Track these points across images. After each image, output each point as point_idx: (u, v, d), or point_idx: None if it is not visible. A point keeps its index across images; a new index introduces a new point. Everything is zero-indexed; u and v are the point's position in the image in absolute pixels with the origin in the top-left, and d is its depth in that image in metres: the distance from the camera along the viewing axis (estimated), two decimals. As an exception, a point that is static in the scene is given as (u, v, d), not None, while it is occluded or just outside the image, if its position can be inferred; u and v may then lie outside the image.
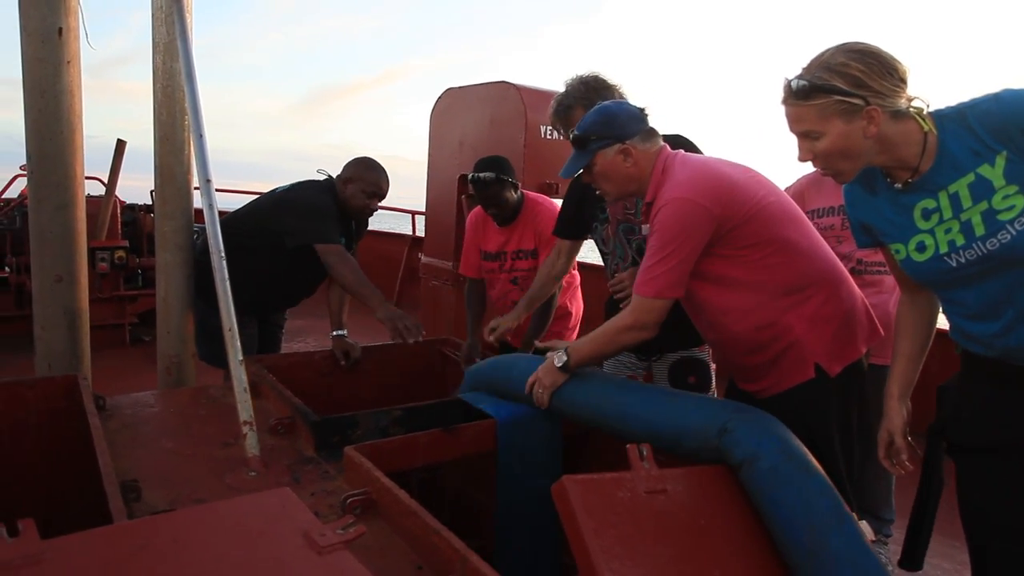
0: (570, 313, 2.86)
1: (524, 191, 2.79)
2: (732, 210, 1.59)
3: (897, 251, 1.40)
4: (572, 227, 2.42)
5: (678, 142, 2.50)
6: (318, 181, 2.66)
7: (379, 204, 2.67)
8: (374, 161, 2.66)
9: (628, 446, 1.26)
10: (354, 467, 1.42)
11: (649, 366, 2.30)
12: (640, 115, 1.78)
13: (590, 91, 2.18)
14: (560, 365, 1.70)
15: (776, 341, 1.64)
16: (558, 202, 2.82)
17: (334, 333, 2.62)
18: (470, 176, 2.69)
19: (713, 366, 2.42)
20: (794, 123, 1.36)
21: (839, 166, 1.35)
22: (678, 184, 1.64)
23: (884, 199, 1.40)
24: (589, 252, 2.66)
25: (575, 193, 2.38)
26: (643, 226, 1.78)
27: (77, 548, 0.85)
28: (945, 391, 1.49)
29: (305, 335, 5.73)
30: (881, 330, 1.73)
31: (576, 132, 1.78)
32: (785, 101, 1.35)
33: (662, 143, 1.77)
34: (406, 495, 1.23)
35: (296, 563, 0.89)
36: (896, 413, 1.53)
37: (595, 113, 1.79)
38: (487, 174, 2.62)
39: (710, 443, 1.40)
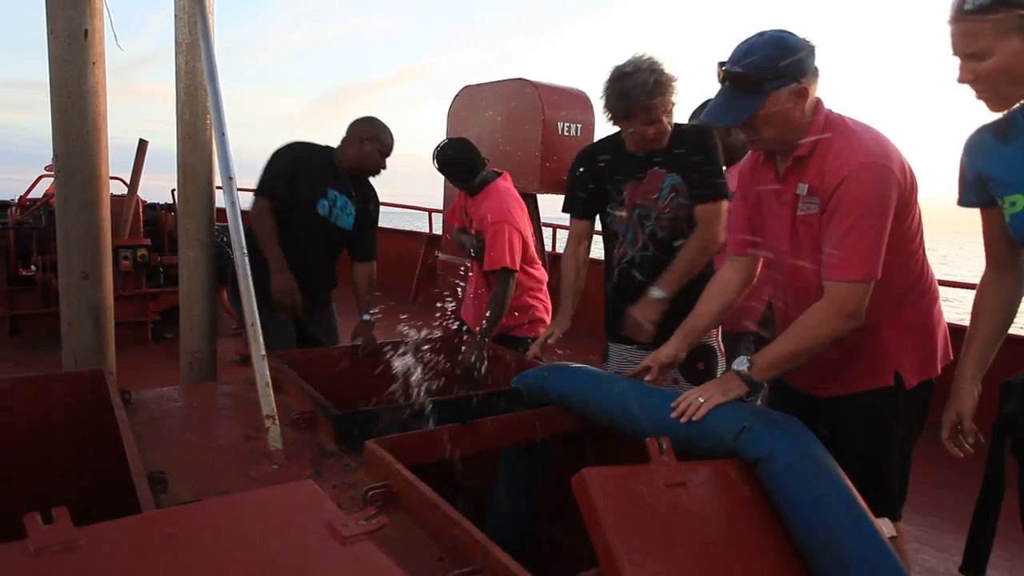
0: (533, 308, 2.87)
1: (499, 179, 2.83)
2: (907, 192, 1.47)
3: (1013, 203, 1.33)
4: (586, 206, 2.38)
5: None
6: (309, 144, 2.76)
7: (386, 163, 2.78)
8: (381, 121, 2.76)
9: (647, 439, 1.26)
10: (375, 460, 1.43)
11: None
12: (812, 48, 1.51)
13: (657, 87, 2.06)
14: (741, 374, 1.49)
15: (861, 339, 1.57)
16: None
17: (362, 317, 2.69)
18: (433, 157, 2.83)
19: (721, 351, 2.40)
20: (964, 41, 1.24)
21: (1003, 90, 1.24)
22: (867, 146, 1.44)
23: (1018, 147, 1.33)
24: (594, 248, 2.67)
25: (588, 171, 2.33)
26: (800, 184, 1.52)
27: (108, 535, 0.87)
28: (1011, 386, 1.45)
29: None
30: (951, 353, 1.65)
31: (742, 69, 1.49)
32: (955, 19, 1.25)
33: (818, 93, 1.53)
34: (427, 488, 1.24)
35: (320, 553, 0.91)
36: (967, 395, 1.49)
37: (768, 45, 1.48)
38: (436, 163, 2.78)
39: (726, 444, 1.40)
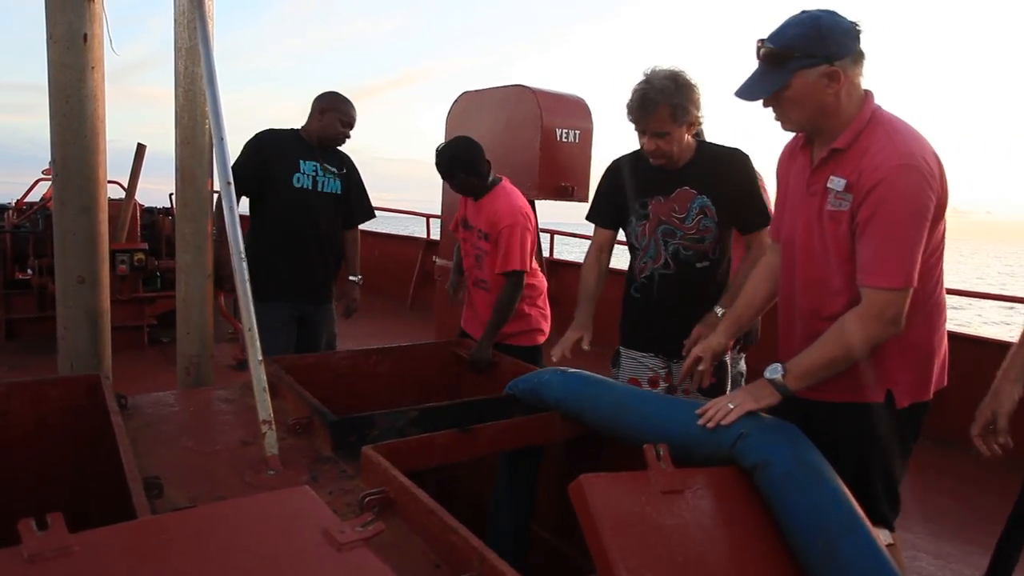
0: (529, 317, 2.87)
1: (504, 181, 2.84)
2: (940, 203, 1.44)
3: None
4: (609, 216, 2.37)
5: None
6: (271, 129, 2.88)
7: (349, 132, 2.88)
8: (342, 95, 2.85)
9: (645, 446, 1.26)
10: (371, 466, 1.43)
11: (669, 368, 2.30)
12: (854, 31, 1.46)
13: (680, 88, 2.03)
14: (775, 381, 1.44)
15: None
16: (569, 204, 2.87)
17: (349, 278, 2.93)
18: (436, 162, 2.83)
19: (743, 370, 2.39)
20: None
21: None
22: (908, 147, 1.40)
23: None
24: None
25: (618, 182, 2.31)
26: (833, 177, 1.49)
27: (103, 542, 0.87)
28: None
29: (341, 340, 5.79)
30: (946, 379, 1.63)
31: (772, 45, 1.46)
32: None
33: (865, 86, 1.48)
34: (424, 494, 1.24)
35: (316, 559, 0.90)
36: (1008, 395, 1.49)
37: (801, 24, 1.45)
38: (444, 167, 2.78)
39: (723, 451, 1.40)
